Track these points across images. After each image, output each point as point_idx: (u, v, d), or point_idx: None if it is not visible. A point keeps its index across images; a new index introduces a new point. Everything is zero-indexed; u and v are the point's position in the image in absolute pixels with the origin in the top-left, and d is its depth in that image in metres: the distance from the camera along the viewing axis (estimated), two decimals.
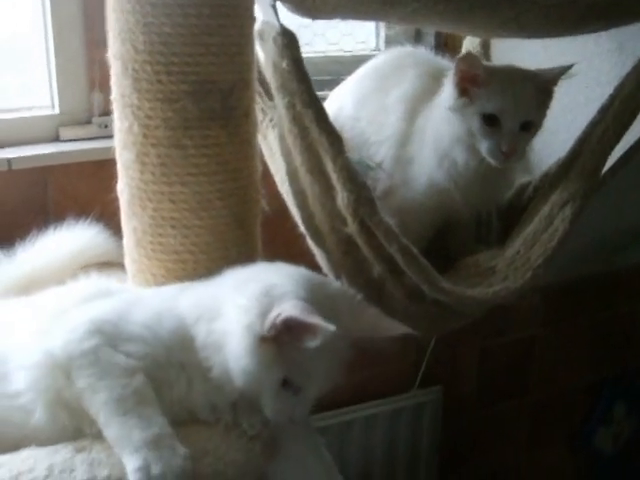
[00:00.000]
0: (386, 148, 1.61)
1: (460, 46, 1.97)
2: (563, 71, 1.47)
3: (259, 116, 1.48)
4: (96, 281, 1.30)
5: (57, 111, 1.78)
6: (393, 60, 1.70)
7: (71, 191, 1.73)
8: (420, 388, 2.30)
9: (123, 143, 1.35)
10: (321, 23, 1.94)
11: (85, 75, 1.77)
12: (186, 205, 1.33)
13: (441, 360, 2.30)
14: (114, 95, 1.36)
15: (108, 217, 1.49)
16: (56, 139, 1.77)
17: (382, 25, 2.16)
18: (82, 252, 1.53)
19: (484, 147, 1.47)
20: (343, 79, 1.77)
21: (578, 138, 1.50)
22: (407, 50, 1.75)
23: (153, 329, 1.15)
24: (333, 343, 1.08)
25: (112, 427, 1.09)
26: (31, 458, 1.09)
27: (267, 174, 1.54)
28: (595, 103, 1.52)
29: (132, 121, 1.32)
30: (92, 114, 1.79)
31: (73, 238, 1.52)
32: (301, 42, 1.37)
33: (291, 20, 1.43)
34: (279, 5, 1.38)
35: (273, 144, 1.53)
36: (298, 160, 1.37)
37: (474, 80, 1.46)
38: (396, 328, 1.16)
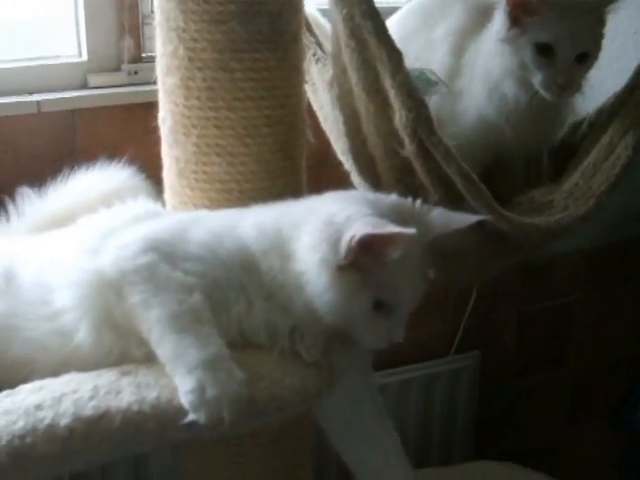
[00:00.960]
0: None
1: None
2: None
3: None
4: (145, 203, 1.25)
5: (85, 58, 1.73)
6: None
7: (100, 137, 1.69)
8: (456, 354, 2.23)
9: (167, 68, 1.31)
10: None
11: (115, 21, 1.72)
12: (232, 131, 1.29)
13: (479, 325, 2.23)
14: (157, 19, 1.33)
15: (137, 164, 1.44)
16: (84, 86, 1.73)
17: None
18: (115, 192, 1.47)
19: (538, 79, 1.41)
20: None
21: (638, 65, 1.44)
22: None
23: (213, 249, 1.10)
24: (412, 250, 1.04)
25: (166, 345, 1.03)
26: (73, 381, 1.03)
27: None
28: None
29: (177, 44, 1.28)
30: (122, 61, 1.74)
31: (106, 178, 1.47)
32: None
33: None
34: None
35: (316, 79, 1.49)
36: (354, 78, 1.32)
37: (527, 8, 1.40)
38: (467, 219, 1.13)
